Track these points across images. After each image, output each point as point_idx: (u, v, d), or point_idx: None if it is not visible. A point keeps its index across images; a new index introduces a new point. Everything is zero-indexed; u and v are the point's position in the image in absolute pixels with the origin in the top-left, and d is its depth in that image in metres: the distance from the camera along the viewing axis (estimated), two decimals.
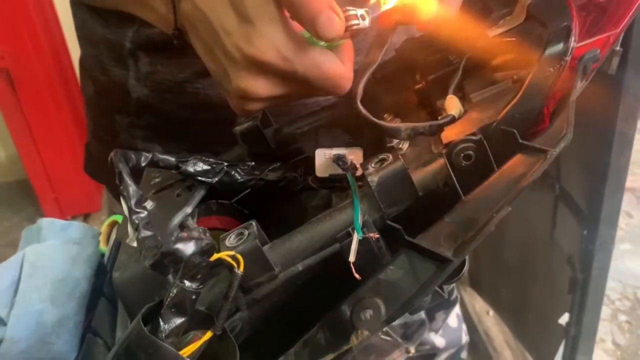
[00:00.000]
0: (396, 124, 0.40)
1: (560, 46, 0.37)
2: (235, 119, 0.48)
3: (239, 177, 0.44)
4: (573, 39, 0.37)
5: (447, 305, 0.91)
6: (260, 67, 0.38)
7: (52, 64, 1.88)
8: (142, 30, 0.58)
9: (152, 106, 0.62)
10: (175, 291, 0.31)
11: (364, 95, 0.46)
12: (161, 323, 0.31)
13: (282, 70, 0.38)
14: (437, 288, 0.37)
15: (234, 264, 0.33)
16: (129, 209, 0.37)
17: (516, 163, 0.35)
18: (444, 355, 0.95)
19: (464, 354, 0.99)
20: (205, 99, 0.60)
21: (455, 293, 0.93)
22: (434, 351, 0.93)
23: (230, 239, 0.35)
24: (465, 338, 0.97)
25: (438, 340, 0.92)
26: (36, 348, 0.41)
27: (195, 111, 0.61)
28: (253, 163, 0.45)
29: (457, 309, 0.96)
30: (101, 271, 0.46)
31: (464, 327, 0.96)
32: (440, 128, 0.39)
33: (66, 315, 0.42)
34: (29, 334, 0.41)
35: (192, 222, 0.39)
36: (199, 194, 0.42)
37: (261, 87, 0.39)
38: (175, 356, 0.30)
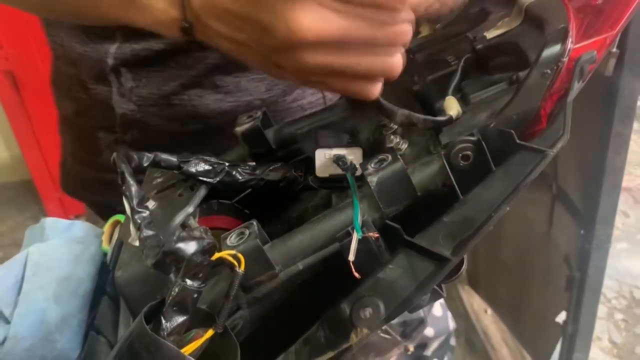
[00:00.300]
0: (393, 106, 0.40)
1: (557, 48, 0.37)
2: (224, 128, 0.47)
3: (240, 177, 0.44)
4: (570, 40, 0.37)
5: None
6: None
7: None
8: (125, 46, 0.57)
9: (138, 121, 0.60)
10: (177, 290, 0.31)
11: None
12: (163, 321, 0.31)
13: None
14: (435, 287, 0.37)
15: (235, 263, 0.33)
16: (131, 208, 0.37)
17: (514, 163, 0.35)
18: (435, 343, 0.96)
19: (452, 341, 1.00)
20: (192, 110, 0.59)
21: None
22: (425, 341, 0.94)
23: (232, 238, 0.35)
24: (452, 324, 0.98)
25: (427, 330, 0.93)
26: (40, 346, 0.41)
27: (183, 123, 0.60)
28: (254, 163, 0.45)
29: (441, 299, 0.96)
30: (104, 270, 0.46)
31: (449, 314, 0.97)
32: (436, 125, 0.39)
33: (69, 313, 0.42)
34: (33, 332, 0.41)
35: (193, 222, 0.39)
36: (201, 194, 0.42)
37: (318, 21, 0.34)
38: (177, 354, 0.29)
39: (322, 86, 0.40)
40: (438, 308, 0.95)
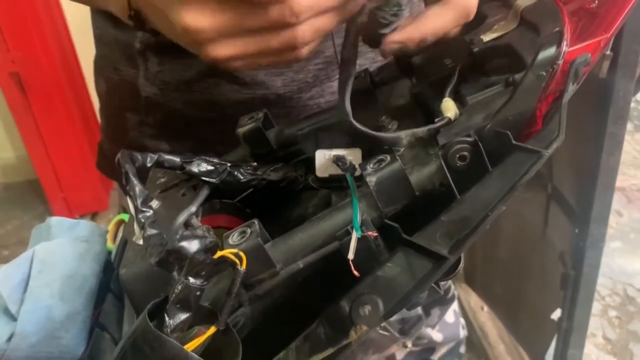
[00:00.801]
0: (395, 133, 0.40)
1: (552, 50, 0.37)
2: (238, 117, 0.48)
3: (242, 177, 0.44)
4: (565, 43, 0.37)
5: (443, 302, 0.92)
6: None
7: (61, 69, 1.88)
8: (150, 35, 0.58)
9: (161, 104, 0.62)
10: (180, 287, 0.31)
11: (362, 99, 0.47)
12: (166, 318, 0.31)
13: None
14: (433, 285, 0.37)
15: (237, 261, 0.33)
16: (136, 208, 0.37)
17: (510, 164, 0.35)
18: (443, 349, 0.95)
19: (462, 349, 0.99)
20: (210, 98, 0.60)
21: (453, 291, 0.94)
22: (432, 345, 0.94)
23: (233, 237, 0.35)
24: (463, 333, 0.97)
25: (435, 335, 0.92)
26: (46, 342, 0.41)
27: (201, 110, 0.61)
28: (255, 163, 0.45)
29: (454, 306, 0.96)
30: (108, 268, 0.46)
31: (462, 322, 0.96)
32: (438, 130, 0.39)
33: (75, 310, 0.42)
34: (39, 328, 0.41)
35: (196, 221, 0.39)
36: (203, 194, 0.42)
37: (207, 17, 0.35)
38: (180, 350, 0.30)
39: (247, 68, 0.40)
40: (451, 315, 0.94)
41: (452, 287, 0.95)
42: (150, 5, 0.38)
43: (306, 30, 0.37)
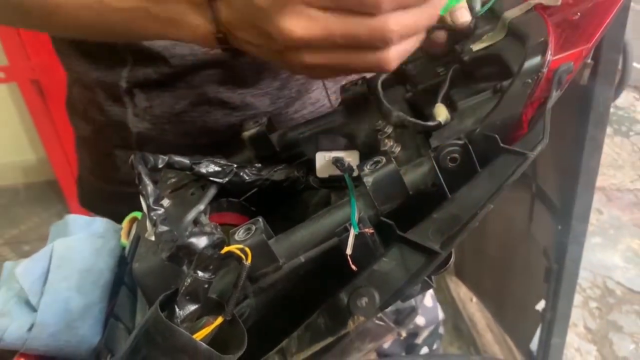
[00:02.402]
0: (391, 106, 0.40)
1: (537, 59, 0.37)
2: (232, 140, 0.47)
3: (247, 178, 0.44)
4: (549, 53, 0.37)
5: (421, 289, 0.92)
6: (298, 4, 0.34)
7: None
8: (136, 69, 0.56)
9: (153, 137, 0.60)
10: (189, 281, 0.31)
11: (360, 104, 0.47)
12: (177, 309, 0.31)
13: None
14: (426, 278, 0.37)
15: (243, 256, 0.33)
16: (148, 206, 0.37)
17: (497, 165, 0.35)
18: (426, 332, 0.96)
19: (441, 329, 1.00)
20: (202, 125, 0.58)
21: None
22: (416, 330, 0.94)
23: (239, 234, 0.35)
24: (441, 315, 0.97)
25: (418, 319, 0.92)
26: (64, 332, 0.41)
27: (195, 138, 0.59)
28: (260, 165, 0.45)
29: (430, 291, 0.96)
30: (122, 262, 0.46)
31: (438, 305, 0.97)
32: (424, 129, 0.39)
33: (91, 302, 0.42)
34: (58, 319, 0.41)
35: (204, 218, 0.39)
36: (211, 193, 0.42)
37: (305, 23, 0.34)
38: (189, 339, 0.29)
39: (333, 75, 0.39)
40: (429, 299, 0.94)
41: None
42: (243, 24, 0.37)
43: (393, 24, 0.34)
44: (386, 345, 0.90)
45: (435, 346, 0.98)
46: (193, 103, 0.57)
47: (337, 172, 0.41)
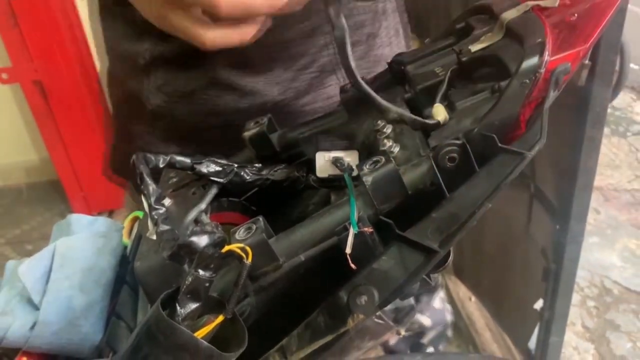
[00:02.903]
0: (388, 103, 0.40)
1: (535, 60, 0.37)
2: (241, 123, 0.47)
3: (248, 177, 0.44)
4: (547, 53, 0.37)
5: (430, 290, 0.92)
6: None
7: (80, 77, 1.87)
8: (155, 47, 0.58)
9: (165, 114, 0.61)
10: (190, 279, 0.31)
11: (360, 105, 0.46)
12: (178, 308, 0.31)
13: None
14: (424, 276, 0.37)
15: (243, 255, 0.33)
16: (149, 205, 0.37)
17: (496, 164, 0.35)
18: (432, 333, 0.96)
19: (449, 332, 1.00)
20: (212, 108, 0.60)
21: (439, 280, 0.94)
22: (422, 330, 0.94)
23: (240, 233, 0.35)
24: (449, 317, 0.97)
25: (425, 320, 0.92)
26: (66, 330, 0.41)
27: (205, 117, 0.60)
28: (260, 165, 0.45)
29: (440, 293, 0.96)
30: (124, 261, 0.46)
31: (448, 307, 0.96)
32: (422, 126, 0.39)
33: (93, 300, 0.42)
34: (60, 317, 0.41)
35: (205, 218, 0.39)
36: (212, 192, 0.42)
37: None
38: (190, 337, 0.29)
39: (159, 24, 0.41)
40: (438, 301, 0.95)
41: (438, 276, 0.95)
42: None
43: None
44: (392, 341, 0.90)
45: (441, 347, 0.98)
46: (204, 85, 0.58)
47: (337, 172, 0.41)
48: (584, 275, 1.79)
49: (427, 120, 0.39)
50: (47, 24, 1.74)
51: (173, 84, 0.59)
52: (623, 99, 2.76)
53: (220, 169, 0.43)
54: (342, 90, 0.48)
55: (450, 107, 0.41)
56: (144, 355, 0.30)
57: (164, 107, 0.61)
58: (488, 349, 1.48)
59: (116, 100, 0.68)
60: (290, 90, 0.60)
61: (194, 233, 0.33)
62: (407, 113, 0.39)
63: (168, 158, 0.41)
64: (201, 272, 0.32)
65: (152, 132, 0.64)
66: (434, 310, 0.93)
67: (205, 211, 0.40)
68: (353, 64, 0.39)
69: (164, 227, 0.35)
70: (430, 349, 0.96)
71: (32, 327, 0.41)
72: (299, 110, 0.61)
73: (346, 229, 0.35)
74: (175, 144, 0.64)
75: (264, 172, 0.44)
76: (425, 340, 0.95)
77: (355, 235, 0.34)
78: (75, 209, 2.08)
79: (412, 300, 0.71)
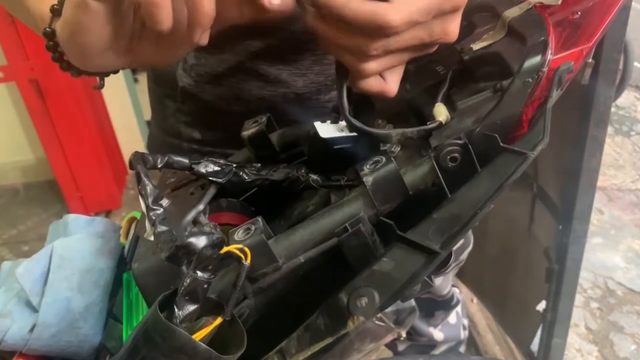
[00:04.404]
0: (387, 130, 0.40)
1: (538, 59, 0.37)
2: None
3: (247, 178, 0.44)
4: (550, 52, 0.37)
5: (447, 307, 0.91)
6: None
7: None
8: None
9: (194, 95, 0.63)
10: (188, 281, 0.31)
11: (360, 104, 0.46)
12: (176, 310, 0.31)
13: None
14: (426, 278, 0.36)
15: (242, 256, 0.33)
16: (147, 206, 0.37)
17: (498, 164, 0.35)
18: (443, 347, 0.95)
19: (462, 348, 0.99)
20: (237, 93, 0.61)
21: (457, 296, 0.93)
22: (433, 343, 0.94)
23: (239, 234, 0.35)
24: (463, 334, 0.97)
25: (437, 334, 0.92)
26: (65, 332, 0.41)
27: (228, 103, 0.62)
28: (259, 164, 0.45)
29: (458, 309, 0.95)
30: (122, 262, 0.46)
31: (464, 322, 0.96)
32: (428, 132, 0.39)
33: (92, 302, 0.42)
34: (59, 319, 0.41)
35: (204, 218, 0.39)
36: (210, 193, 0.42)
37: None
38: (188, 340, 0.29)
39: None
40: (453, 317, 0.94)
41: (457, 291, 0.94)
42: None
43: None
44: (401, 348, 0.90)
45: None
46: (232, 69, 0.60)
47: (339, 134, 0.41)
48: (587, 277, 1.79)
49: (430, 126, 0.39)
50: None
51: (204, 64, 0.61)
52: (627, 98, 2.76)
53: (218, 169, 0.43)
54: None
55: (451, 106, 0.41)
56: (141, 357, 0.30)
57: (193, 87, 0.63)
58: (490, 351, 1.48)
59: (153, 78, 0.70)
60: (314, 84, 0.61)
61: (192, 234, 0.33)
62: (407, 130, 0.39)
63: (166, 158, 0.41)
64: (199, 273, 0.32)
65: (182, 110, 0.66)
66: (449, 326, 0.93)
67: (203, 212, 0.40)
68: (347, 107, 0.39)
69: (162, 228, 0.35)
70: None
71: (31, 330, 0.41)
72: (320, 105, 0.62)
73: (346, 230, 0.35)
74: (201, 127, 0.66)
75: (263, 172, 0.44)
76: (436, 352, 0.95)
77: (356, 236, 0.34)
78: (72, 209, 2.08)
79: (413, 302, 0.71)
